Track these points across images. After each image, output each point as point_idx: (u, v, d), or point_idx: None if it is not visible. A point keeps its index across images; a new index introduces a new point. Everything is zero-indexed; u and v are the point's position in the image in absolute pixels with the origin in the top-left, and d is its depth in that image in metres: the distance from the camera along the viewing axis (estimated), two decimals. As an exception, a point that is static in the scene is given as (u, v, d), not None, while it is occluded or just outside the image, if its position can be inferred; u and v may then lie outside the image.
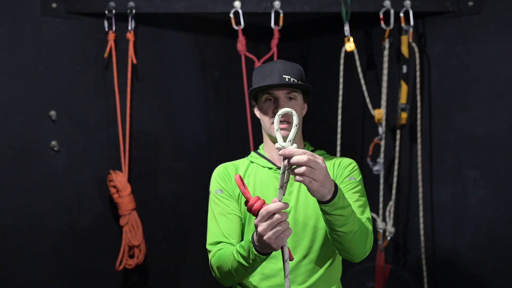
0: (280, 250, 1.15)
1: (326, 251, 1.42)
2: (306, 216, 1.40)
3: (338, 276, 1.50)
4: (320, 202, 1.15)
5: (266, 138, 1.50)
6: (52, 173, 2.17)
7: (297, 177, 1.07)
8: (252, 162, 1.52)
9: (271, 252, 1.17)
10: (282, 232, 1.09)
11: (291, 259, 1.17)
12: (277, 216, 1.07)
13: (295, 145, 1.09)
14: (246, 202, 1.15)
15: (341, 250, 1.30)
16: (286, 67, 1.42)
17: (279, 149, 1.09)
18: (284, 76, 1.40)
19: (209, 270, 1.39)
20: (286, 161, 1.08)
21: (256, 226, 1.11)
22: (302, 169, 1.06)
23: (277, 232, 1.08)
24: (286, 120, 1.37)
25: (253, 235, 1.18)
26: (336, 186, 1.15)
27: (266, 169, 1.47)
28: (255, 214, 1.12)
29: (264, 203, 1.12)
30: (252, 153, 1.56)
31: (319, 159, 1.08)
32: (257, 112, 1.49)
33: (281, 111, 1.12)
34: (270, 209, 1.07)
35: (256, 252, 1.17)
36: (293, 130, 1.10)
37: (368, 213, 1.40)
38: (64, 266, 2.23)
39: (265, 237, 1.09)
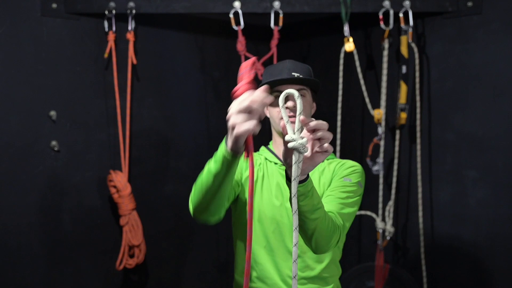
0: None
1: None
2: None
3: (336, 275, 1.52)
4: (301, 182, 1.10)
5: (275, 135, 1.55)
6: (52, 173, 2.18)
7: (326, 146, 1.06)
8: (260, 155, 1.57)
9: (237, 153, 1.09)
10: (246, 119, 0.97)
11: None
12: (247, 100, 0.96)
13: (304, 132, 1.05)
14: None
15: (305, 238, 1.23)
16: (296, 65, 1.46)
17: (289, 141, 1.01)
18: (293, 73, 1.42)
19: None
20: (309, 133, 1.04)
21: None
22: (330, 136, 1.06)
23: (240, 113, 0.97)
24: (295, 114, 1.35)
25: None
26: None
27: (273, 163, 1.52)
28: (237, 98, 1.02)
29: (251, 90, 1.01)
30: (262, 147, 1.61)
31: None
32: (266, 111, 1.51)
33: (284, 93, 1.02)
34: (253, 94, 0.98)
35: (224, 146, 1.11)
36: (298, 118, 1.03)
37: (347, 211, 1.33)
38: (64, 266, 2.23)
39: (228, 114, 0.99)
